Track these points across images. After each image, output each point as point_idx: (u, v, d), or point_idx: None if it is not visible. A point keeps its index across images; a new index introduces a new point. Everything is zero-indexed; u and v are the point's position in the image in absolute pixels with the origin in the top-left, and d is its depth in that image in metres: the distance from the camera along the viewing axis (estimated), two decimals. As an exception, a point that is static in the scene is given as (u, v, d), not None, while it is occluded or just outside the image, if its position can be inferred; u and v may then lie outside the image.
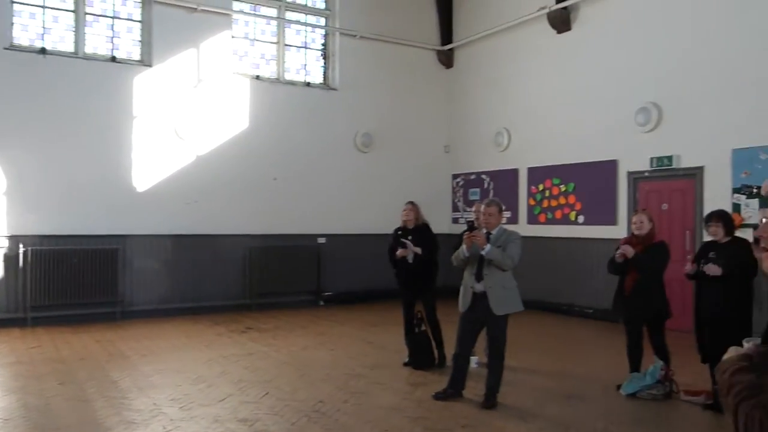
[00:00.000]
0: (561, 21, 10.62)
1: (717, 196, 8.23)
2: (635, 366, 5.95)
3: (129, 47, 10.36)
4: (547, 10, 10.71)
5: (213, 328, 9.09)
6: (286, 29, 11.90)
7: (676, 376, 5.77)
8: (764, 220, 1.70)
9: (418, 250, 6.68)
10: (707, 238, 5.69)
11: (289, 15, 11.90)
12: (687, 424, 5.04)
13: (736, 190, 8.08)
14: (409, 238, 6.79)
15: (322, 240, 11.66)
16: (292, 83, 11.80)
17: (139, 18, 10.41)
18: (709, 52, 8.47)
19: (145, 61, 10.33)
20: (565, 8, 10.56)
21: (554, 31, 10.77)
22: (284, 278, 11.06)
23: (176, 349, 7.66)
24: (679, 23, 8.86)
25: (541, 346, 8.09)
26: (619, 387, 5.90)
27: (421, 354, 6.80)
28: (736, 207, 7.97)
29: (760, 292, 6.17)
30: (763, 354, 1.56)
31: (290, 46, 11.94)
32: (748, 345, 1.70)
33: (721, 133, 8.24)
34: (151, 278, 10.16)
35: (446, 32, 13.18)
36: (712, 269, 5.21)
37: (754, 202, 7.84)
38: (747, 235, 6.05)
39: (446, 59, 13.22)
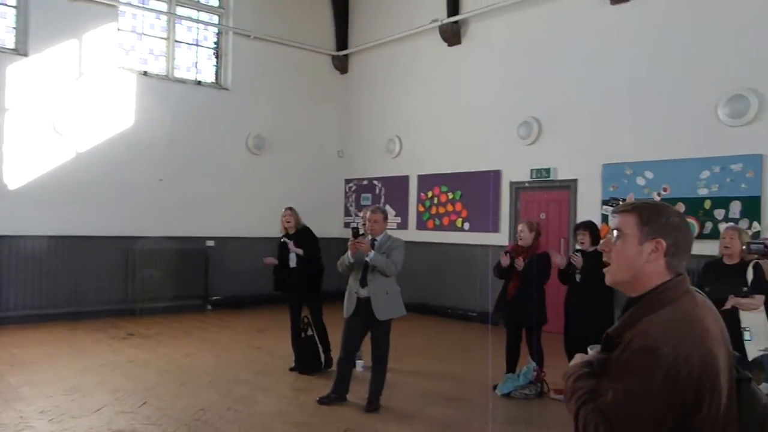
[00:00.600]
0: (452, 34, 11.01)
1: (588, 206, 8.85)
2: (511, 367, 6.30)
3: (2, 34, 9.68)
4: (439, 23, 11.07)
5: (92, 335, 8.67)
6: (177, 25, 11.55)
7: (548, 377, 6.15)
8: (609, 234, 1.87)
9: (300, 251, 6.78)
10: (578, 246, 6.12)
11: (180, 10, 11.56)
12: (556, 422, 5.39)
13: (605, 202, 8.71)
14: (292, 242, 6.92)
15: (210, 243, 11.41)
16: (181, 81, 11.47)
17: (13, 2, 9.76)
18: (584, 73, 9.08)
19: (20, 50, 9.69)
20: (455, 22, 10.96)
21: (445, 44, 11.14)
22: (170, 282, 10.71)
23: (49, 358, 7.24)
24: (558, 44, 9.44)
25: (426, 348, 8.34)
26: (495, 387, 6.21)
27: (308, 359, 6.83)
28: (605, 218, 8.59)
29: (622, 296, 6.68)
30: (602, 361, 1.71)
31: (181, 42, 11.60)
32: (591, 352, 1.85)
33: (593, 148, 8.87)
34: (23, 282, 9.53)
35: (342, 38, 13.30)
36: (578, 260, 5.70)
37: (620, 214, 8.48)
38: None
39: (341, 65, 13.33)
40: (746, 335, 4.92)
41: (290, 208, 7.10)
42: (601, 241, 1.91)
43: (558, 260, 6.05)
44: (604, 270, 1.86)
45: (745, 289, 5.07)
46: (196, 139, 11.31)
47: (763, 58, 7.41)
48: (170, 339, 8.56)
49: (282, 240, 7.06)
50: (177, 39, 11.53)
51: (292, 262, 6.87)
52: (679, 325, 1.60)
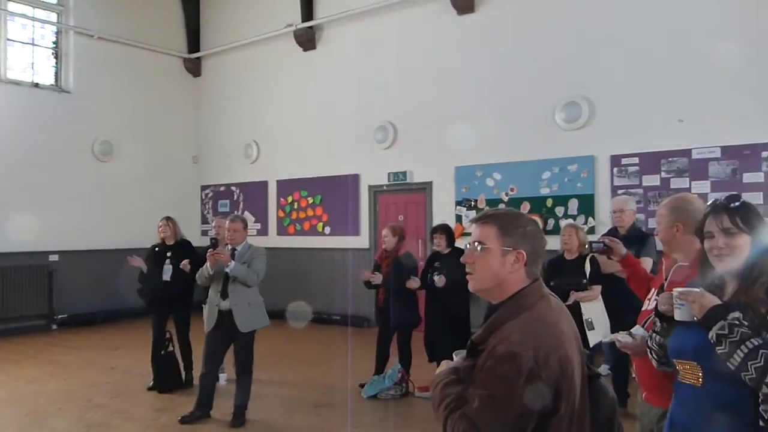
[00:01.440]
0: (307, 39, 11.01)
1: (443, 208, 9.25)
2: (380, 369, 6.42)
3: None
4: (294, 28, 11.03)
5: None
6: (9, 22, 10.57)
7: (414, 375, 6.34)
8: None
9: (187, 267, 6.39)
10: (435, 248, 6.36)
11: (13, 6, 10.58)
12: (420, 419, 5.57)
13: (458, 203, 9.16)
14: (169, 254, 6.56)
15: (54, 257, 10.55)
16: (16, 83, 10.50)
17: None
18: (435, 79, 9.46)
19: None
20: (310, 27, 10.97)
21: (301, 49, 11.13)
22: (8, 302, 9.79)
23: None
24: (411, 51, 9.76)
25: (292, 356, 8.28)
26: (362, 390, 6.30)
27: (168, 376, 6.53)
28: (459, 218, 9.03)
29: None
30: (468, 368, 1.79)
31: (14, 41, 10.62)
32: (456, 359, 1.93)
33: (446, 152, 9.27)
34: None
35: (193, 40, 12.85)
36: (440, 281, 5.89)
37: (473, 214, 8.95)
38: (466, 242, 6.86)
39: (193, 67, 12.88)
40: (590, 326, 5.38)
41: (167, 218, 6.76)
42: (465, 250, 1.97)
43: (412, 284, 6.19)
44: (468, 278, 1.93)
45: (585, 281, 5.54)
46: (35, 146, 10.42)
47: (592, 67, 8.12)
48: (11, 364, 7.82)
49: (155, 249, 6.70)
50: (9, 37, 10.55)
51: (166, 275, 6.51)
52: (537, 330, 1.70)
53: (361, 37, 10.42)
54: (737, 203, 2.16)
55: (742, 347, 1.92)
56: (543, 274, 5.52)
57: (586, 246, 5.37)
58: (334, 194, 10.69)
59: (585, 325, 5.31)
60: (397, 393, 6.17)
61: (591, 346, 5.20)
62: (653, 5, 7.71)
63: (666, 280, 2.94)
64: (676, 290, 2.21)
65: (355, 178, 10.44)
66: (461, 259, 1.94)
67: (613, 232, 5.63)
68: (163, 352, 6.59)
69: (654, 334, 2.39)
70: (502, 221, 1.87)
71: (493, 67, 8.92)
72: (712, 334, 2.02)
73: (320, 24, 10.96)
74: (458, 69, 9.26)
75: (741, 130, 7.09)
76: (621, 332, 3.03)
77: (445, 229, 6.22)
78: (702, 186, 7.34)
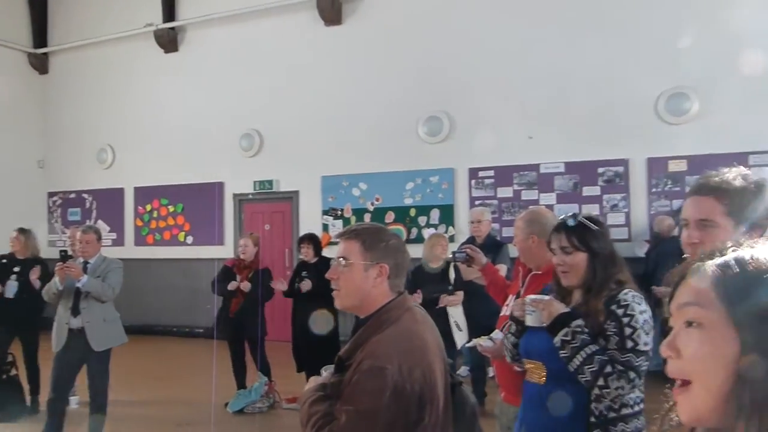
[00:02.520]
0: (168, 40, 10.59)
1: (310, 217, 9.25)
2: (241, 383, 6.28)
3: None
4: (154, 28, 10.56)
5: None
6: None
7: (278, 386, 6.27)
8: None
9: (36, 282, 5.86)
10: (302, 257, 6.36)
11: None
12: (287, 430, 5.54)
13: (324, 212, 9.21)
14: (16, 270, 6.03)
15: None
16: None
17: None
18: (302, 88, 9.44)
19: None
20: (172, 28, 10.56)
21: (162, 50, 10.67)
22: None
23: None
24: (277, 59, 9.67)
25: (152, 373, 7.88)
26: (227, 405, 6.14)
27: (9, 403, 5.96)
28: (325, 227, 9.09)
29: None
30: (335, 384, 1.81)
31: None
32: (325, 374, 1.95)
33: (313, 161, 9.29)
34: None
35: (40, 34, 11.87)
36: (305, 285, 5.89)
37: (339, 223, 9.05)
38: (333, 252, 6.92)
39: (40, 64, 11.91)
40: (458, 327, 5.65)
41: (20, 230, 6.24)
42: (331, 268, 1.99)
43: (279, 286, 6.19)
44: (333, 295, 1.96)
45: (450, 287, 5.82)
46: None
47: (453, 85, 8.51)
48: None
49: (1, 260, 6.10)
50: None
51: (10, 293, 5.93)
52: (402, 343, 1.76)
53: (226, 42, 10.18)
54: (573, 223, 2.37)
55: (582, 353, 2.14)
56: (409, 283, 5.69)
57: (450, 255, 5.61)
58: (197, 203, 10.32)
59: (453, 328, 5.57)
60: (264, 405, 6.08)
61: (459, 347, 5.45)
62: (511, 32, 8.23)
63: (522, 287, 3.16)
64: (528, 297, 2.40)
65: (220, 185, 10.17)
66: (326, 275, 1.97)
67: (470, 240, 5.94)
68: (4, 377, 6.01)
69: (509, 335, 2.56)
70: (365, 236, 1.91)
71: (360, 80, 9.08)
72: (557, 339, 2.22)
73: (183, 25, 10.59)
74: (325, 79, 9.32)
75: (582, 149, 7.77)
76: (482, 337, 3.22)
77: (311, 239, 6.24)
78: (549, 198, 7.95)
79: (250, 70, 9.92)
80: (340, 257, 1.91)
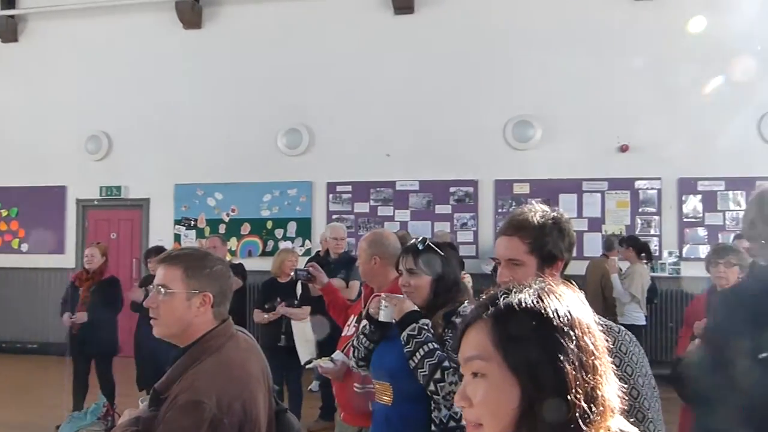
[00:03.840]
0: (7, 30, 9.69)
1: (161, 227, 8.84)
2: (78, 404, 5.85)
3: None
4: (-11, 15, 9.63)
5: None
6: None
7: (122, 407, 5.88)
8: None
9: None
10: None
11: None
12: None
13: (177, 222, 8.84)
14: None
15: None
16: None
17: None
18: (156, 92, 8.99)
19: None
20: (11, 17, 9.69)
21: (0, 40, 9.75)
22: None
23: None
24: (128, 60, 9.12)
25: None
26: (58, 428, 5.68)
27: None
28: (177, 237, 8.73)
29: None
30: (150, 419, 1.70)
31: None
32: (141, 406, 1.83)
33: (166, 168, 8.87)
34: None
35: None
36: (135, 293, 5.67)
37: (192, 233, 8.73)
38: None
39: None
40: (300, 342, 5.63)
41: None
42: (149, 296, 1.90)
43: (134, 295, 5.88)
44: (152, 323, 1.87)
45: (296, 301, 5.79)
46: None
47: (313, 98, 8.52)
48: None
49: None
50: None
51: None
52: (222, 375, 1.70)
53: (73, 37, 9.47)
54: (422, 247, 2.46)
55: (425, 347, 2.22)
56: (260, 294, 5.63)
57: (291, 273, 5.53)
58: (34, 207, 9.48)
59: (297, 344, 5.55)
60: (99, 429, 5.68)
61: (303, 362, 5.42)
62: (370, 52, 8.38)
63: (365, 308, 3.22)
64: (384, 294, 2.47)
65: (62, 190, 9.42)
66: (145, 303, 1.88)
67: (317, 257, 6.00)
68: None
69: (362, 337, 2.58)
70: (187, 263, 1.81)
71: (218, 87, 8.83)
72: (404, 334, 2.28)
73: (24, 15, 9.74)
74: (182, 84, 8.96)
75: (436, 169, 8.09)
76: (323, 358, 3.23)
77: (158, 252, 5.96)
78: (403, 215, 8.20)
79: (99, 68, 9.30)
80: (159, 285, 1.80)
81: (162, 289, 1.79)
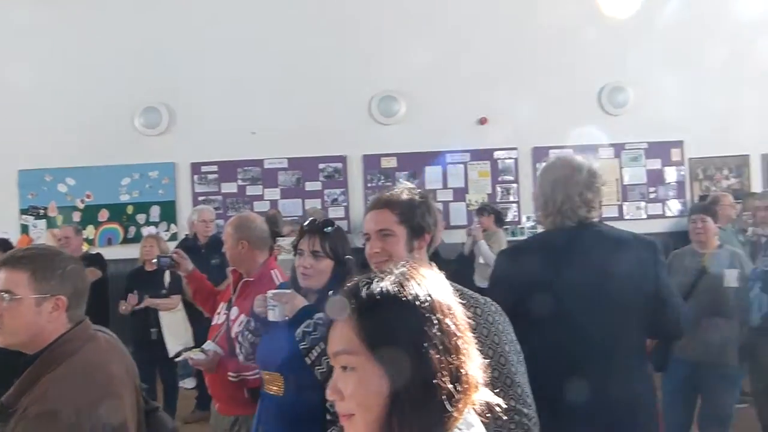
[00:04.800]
0: None
1: (5, 217, 8.06)
2: None
3: None
4: None
5: None
6: None
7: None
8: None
9: None
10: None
11: None
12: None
13: (24, 212, 8.12)
14: None
15: None
16: None
17: None
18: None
19: None
20: None
21: None
22: None
23: None
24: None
25: None
26: None
27: None
28: (25, 228, 8.04)
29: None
30: None
31: None
32: None
33: (7, 152, 8.04)
34: None
35: None
36: None
37: (42, 223, 8.07)
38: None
39: None
40: (166, 333, 5.41)
41: None
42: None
43: None
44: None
45: (164, 291, 5.56)
46: None
47: (171, 74, 8.08)
48: None
49: None
50: None
51: None
52: (80, 381, 1.58)
53: None
54: (331, 229, 2.41)
55: (321, 344, 2.16)
56: (126, 284, 5.33)
57: (154, 261, 5.26)
58: None
59: (165, 336, 5.35)
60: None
61: (171, 355, 5.22)
62: (237, 25, 8.02)
63: (234, 294, 3.15)
64: (270, 292, 2.38)
65: None
66: None
67: (189, 241, 5.79)
68: None
69: (247, 333, 2.51)
70: (35, 265, 1.65)
71: (66, 60, 8.10)
72: (299, 331, 2.23)
73: None
74: (22, 60, 8.14)
75: (303, 145, 8.00)
76: (194, 349, 3.14)
77: (3, 247, 5.45)
78: (273, 193, 8.08)
79: None
80: (2, 291, 1.62)
81: (5, 295, 1.61)
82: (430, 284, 1.00)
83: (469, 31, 8.13)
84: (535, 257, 2.26)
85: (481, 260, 6.64)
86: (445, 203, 8.06)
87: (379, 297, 0.96)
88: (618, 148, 8.33)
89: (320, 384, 2.10)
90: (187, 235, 6.70)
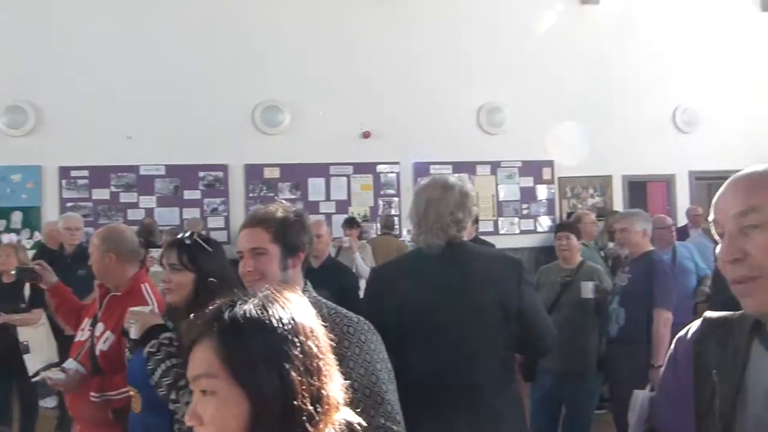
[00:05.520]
0: None
1: None
2: None
3: None
4: None
5: None
6: None
7: None
8: None
9: None
10: None
11: None
12: None
13: None
14: None
15: None
16: None
17: None
18: None
19: None
20: None
21: None
22: None
23: None
24: None
25: None
26: None
27: None
28: None
29: None
30: None
31: None
32: None
33: None
34: None
35: None
36: None
37: None
38: None
39: None
40: (26, 350, 5.00)
41: None
42: None
43: None
44: None
45: (24, 305, 5.13)
46: None
47: (39, 72, 7.54)
48: None
49: None
50: None
51: None
52: None
53: None
54: (188, 241, 2.31)
55: (163, 365, 2.12)
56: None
57: (12, 272, 4.81)
58: None
59: (21, 349, 4.95)
60: None
61: (30, 373, 4.83)
62: (112, 26, 7.65)
63: (100, 309, 2.98)
64: (130, 309, 2.31)
65: None
66: None
67: (52, 251, 5.44)
68: None
69: (127, 350, 2.43)
70: None
71: None
72: (145, 350, 2.17)
73: None
74: None
75: (183, 152, 7.74)
76: (52, 369, 2.93)
77: None
78: (149, 201, 7.75)
79: None
80: None
81: None
82: (293, 307, 1.01)
83: (355, 46, 8.24)
84: (405, 275, 2.32)
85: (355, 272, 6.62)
86: (328, 215, 8.08)
87: (242, 320, 0.95)
88: (494, 166, 8.73)
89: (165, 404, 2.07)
90: (42, 242, 6.28)
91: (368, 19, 8.35)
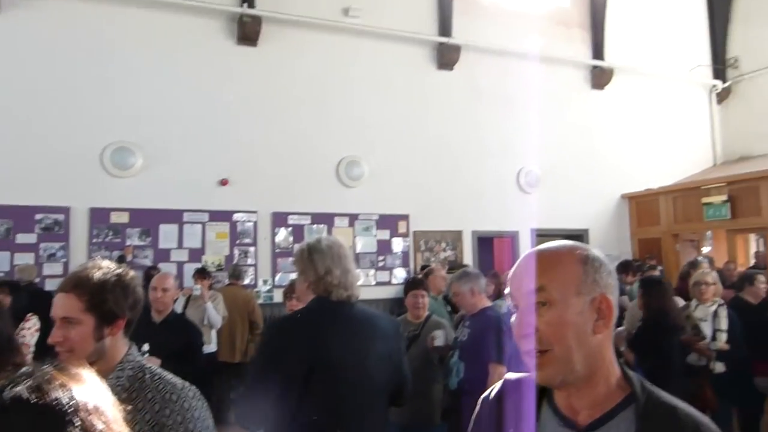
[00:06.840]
0: None
1: None
2: None
3: None
4: None
5: None
6: None
7: None
8: None
9: None
10: None
11: None
12: None
13: None
14: None
15: None
16: None
17: None
18: None
19: None
20: None
21: None
22: None
23: None
24: None
25: None
26: None
27: None
28: None
29: None
30: None
31: None
32: None
33: None
34: None
35: None
36: None
37: None
38: None
39: None
40: None
41: None
42: None
43: None
44: None
45: None
46: None
47: None
48: None
49: None
50: None
51: None
52: None
53: None
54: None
55: None
56: None
57: None
58: None
59: None
60: None
61: None
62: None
63: None
64: None
65: None
66: None
67: None
68: None
69: None
70: None
71: None
72: None
73: None
74: None
75: (19, 191, 7.14)
76: None
77: None
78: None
79: None
80: None
81: None
82: (76, 385, 0.94)
83: (216, 90, 8.13)
84: (303, 332, 2.29)
85: (206, 322, 6.37)
86: (180, 263, 7.75)
87: (9, 402, 0.88)
88: (352, 218, 8.86)
89: None
90: None
91: (230, 64, 8.30)
